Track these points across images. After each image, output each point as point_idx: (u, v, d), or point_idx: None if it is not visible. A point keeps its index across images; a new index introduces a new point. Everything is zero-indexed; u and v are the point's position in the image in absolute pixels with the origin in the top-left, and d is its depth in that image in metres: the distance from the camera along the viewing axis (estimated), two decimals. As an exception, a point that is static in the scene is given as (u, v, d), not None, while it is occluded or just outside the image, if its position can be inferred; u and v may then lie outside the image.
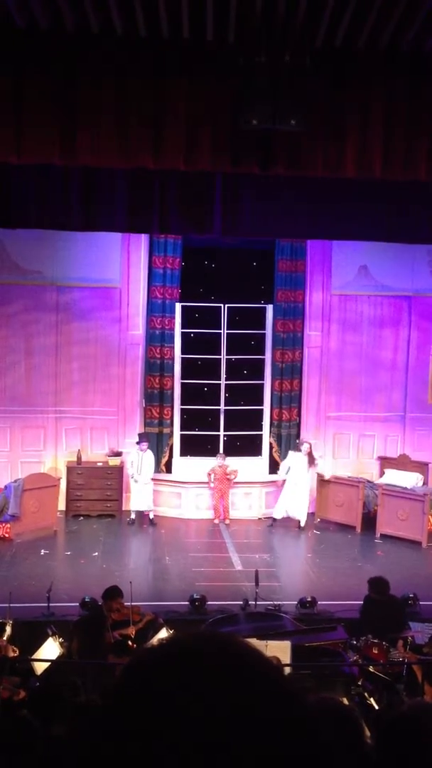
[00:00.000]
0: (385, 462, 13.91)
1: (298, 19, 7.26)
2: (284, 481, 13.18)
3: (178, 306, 13.78)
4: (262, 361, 14.18)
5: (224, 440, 14.03)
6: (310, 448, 13.09)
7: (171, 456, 13.90)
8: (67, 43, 7.63)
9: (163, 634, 7.96)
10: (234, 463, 13.50)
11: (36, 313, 13.46)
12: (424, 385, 14.29)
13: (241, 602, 9.45)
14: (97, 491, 13.31)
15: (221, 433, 14.06)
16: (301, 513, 13.01)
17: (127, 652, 7.63)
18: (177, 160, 8.03)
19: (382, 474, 13.66)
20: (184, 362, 14.03)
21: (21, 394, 13.51)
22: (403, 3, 7.17)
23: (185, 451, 14.04)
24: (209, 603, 9.42)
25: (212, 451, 13.75)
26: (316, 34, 7.54)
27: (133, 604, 8.33)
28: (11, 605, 8.19)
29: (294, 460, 13.09)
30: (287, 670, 6.63)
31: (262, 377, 14.20)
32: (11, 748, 4.15)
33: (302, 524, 13.00)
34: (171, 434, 13.88)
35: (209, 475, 13.29)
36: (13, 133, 7.74)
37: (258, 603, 9.23)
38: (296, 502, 13.00)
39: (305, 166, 8.22)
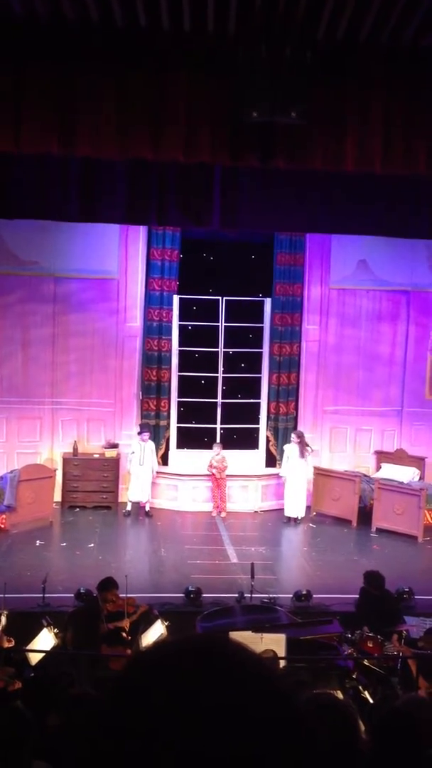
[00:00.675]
0: (382, 456, 13.93)
1: (299, 11, 7.22)
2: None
3: (176, 298, 13.77)
4: (260, 354, 14.18)
5: (221, 433, 14.03)
6: (302, 436, 13.12)
7: (167, 448, 13.90)
8: (66, 34, 7.59)
9: (158, 626, 7.98)
10: (231, 456, 13.51)
11: (33, 304, 13.44)
12: (422, 380, 14.30)
13: (237, 595, 9.47)
14: (93, 483, 13.32)
15: (218, 425, 14.07)
16: (298, 508, 13.03)
17: (120, 643, 7.64)
18: (176, 152, 7.99)
19: (378, 468, 13.69)
20: (182, 355, 14.02)
21: (18, 384, 13.50)
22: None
23: (182, 444, 14.04)
24: (204, 595, 9.45)
25: (209, 444, 13.75)
26: (317, 27, 7.51)
27: (127, 595, 8.34)
28: (6, 596, 8.20)
29: (289, 451, 13.11)
30: (282, 663, 6.65)
31: (259, 370, 14.20)
32: (4, 738, 4.16)
33: (299, 518, 13.02)
34: (168, 426, 13.88)
35: (210, 467, 13.28)
36: (12, 123, 7.70)
37: (253, 596, 9.26)
38: (293, 496, 13.02)
39: (305, 159, 8.19)
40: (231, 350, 14.07)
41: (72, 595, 9.15)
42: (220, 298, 13.89)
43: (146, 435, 13.05)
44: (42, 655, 7.34)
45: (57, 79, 7.66)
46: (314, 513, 13.37)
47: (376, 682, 6.83)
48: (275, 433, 13.98)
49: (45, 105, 7.67)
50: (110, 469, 13.39)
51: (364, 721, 4.28)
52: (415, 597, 9.60)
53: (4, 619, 7.90)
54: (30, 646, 7.53)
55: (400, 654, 7.44)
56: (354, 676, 6.81)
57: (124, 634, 7.87)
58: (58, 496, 13.22)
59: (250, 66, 7.44)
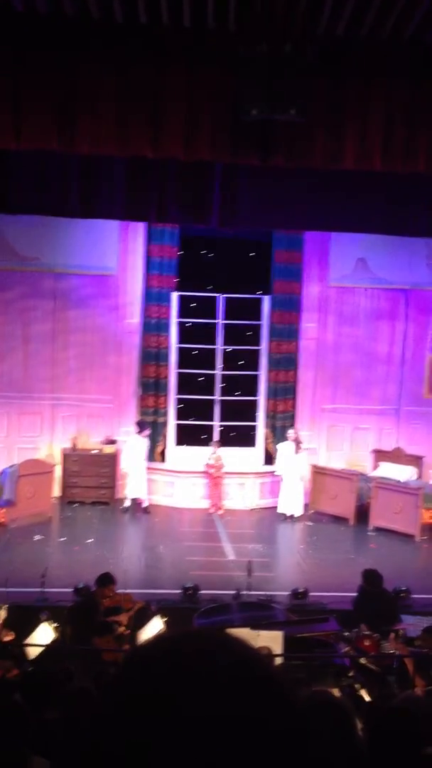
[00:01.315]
0: (380, 455, 13.94)
1: (299, 7, 7.23)
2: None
3: (174, 295, 13.77)
4: (258, 352, 14.19)
5: (219, 430, 14.04)
6: (296, 433, 13.14)
7: (165, 445, 13.91)
8: (66, 29, 7.59)
9: (156, 621, 7.99)
10: (228, 453, 13.52)
11: (33, 300, 13.44)
12: (420, 378, 14.31)
13: (234, 592, 9.49)
14: (91, 478, 13.34)
15: (216, 423, 14.08)
16: (295, 505, 13.04)
17: (110, 633, 7.65)
18: (176, 149, 8.00)
19: (376, 467, 13.70)
20: (181, 352, 14.03)
21: (18, 380, 13.51)
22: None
23: (180, 441, 14.05)
24: (202, 592, 9.46)
25: (207, 441, 13.76)
26: (317, 23, 7.51)
27: (125, 591, 8.37)
28: (6, 590, 8.23)
29: (284, 449, 13.13)
30: (279, 660, 6.67)
31: (257, 368, 14.21)
32: (4, 730, 4.18)
33: (296, 515, 13.04)
34: (166, 423, 13.89)
35: (207, 466, 13.29)
36: (11, 119, 7.71)
37: (250, 593, 9.27)
38: (289, 493, 13.04)
39: (305, 157, 8.20)
40: (229, 347, 14.08)
41: (70, 589, 9.17)
42: (218, 295, 13.90)
43: (147, 432, 13.07)
44: (40, 649, 7.35)
45: (57, 75, 7.67)
46: (311, 511, 13.38)
47: (373, 681, 6.85)
48: (273, 430, 13.99)
49: (45, 101, 7.68)
50: (108, 465, 13.41)
51: (360, 720, 4.30)
52: (413, 596, 9.62)
53: (3, 612, 7.92)
54: (28, 641, 7.55)
55: (397, 652, 7.46)
56: (350, 674, 6.83)
57: (121, 629, 7.88)
58: (57, 492, 13.24)
59: (250, 63, 7.44)
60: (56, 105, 7.70)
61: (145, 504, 13.10)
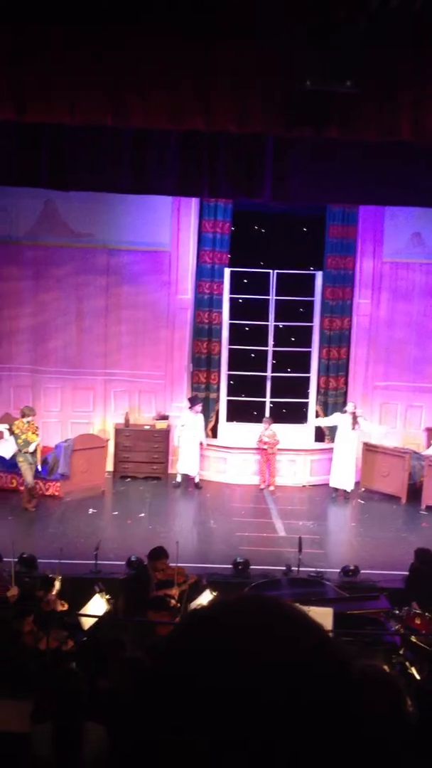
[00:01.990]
0: (433, 433, 13.78)
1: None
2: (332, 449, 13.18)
3: (227, 271, 13.74)
4: (310, 328, 14.09)
5: (270, 407, 14.04)
6: (355, 407, 13.01)
7: (217, 421, 13.97)
8: (118, 3, 7.56)
9: (207, 595, 8.08)
10: (279, 429, 13.51)
11: (87, 276, 13.56)
12: None
13: (284, 568, 9.53)
14: (144, 453, 13.48)
15: (267, 399, 14.07)
16: (347, 480, 12.97)
17: (165, 608, 7.76)
18: (229, 122, 7.94)
19: (429, 445, 13.55)
20: (232, 328, 14.02)
21: (72, 356, 13.69)
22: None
23: (231, 417, 14.10)
24: (252, 567, 9.52)
25: (258, 418, 13.77)
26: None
27: (177, 565, 8.46)
28: (61, 561, 8.41)
29: (339, 420, 13.01)
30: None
31: (309, 345, 14.13)
32: (61, 696, 4.30)
33: (348, 491, 12.97)
34: (217, 399, 13.93)
35: (261, 442, 13.30)
36: (67, 94, 7.73)
37: (301, 569, 9.30)
38: (342, 469, 12.97)
39: (359, 129, 8.05)
40: (281, 324, 14.02)
41: (123, 562, 9.32)
42: (271, 271, 13.83)
43: (198, 407, 13.12)
44: (94, 620, 7.51)
45: (110, 50, 7.65)
46: (363, 489, 13.31)
47: (423, 659, 6.83)
48: (324, 407, 13.92)
49: (98, 75, 7.67)
50: (161, 440, 13.53)
51: (410, 696, 4.30)
52: (465, 574, 9.53)
53: (58, 583, 8.10)
54: (82, 612, 7.71)
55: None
56: (401, 652, 6.82)
57: (173, 602, 7.99)
58: (110, 466, 13.42)
59: (303, 34, 7.32)
60: (109, 79, 7.69)
61: (196, 479, 13.20)
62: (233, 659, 0.82)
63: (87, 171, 9.88)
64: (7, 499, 12.13)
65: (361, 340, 13.97)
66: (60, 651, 6.46)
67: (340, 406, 13.72)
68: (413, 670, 6.22)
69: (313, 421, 13.57)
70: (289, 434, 13.75)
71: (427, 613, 7.72)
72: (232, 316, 14.00)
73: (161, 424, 13.59)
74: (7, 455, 11.94)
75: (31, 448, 11.85)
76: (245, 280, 13.96)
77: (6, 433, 11.97)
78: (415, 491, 12.88)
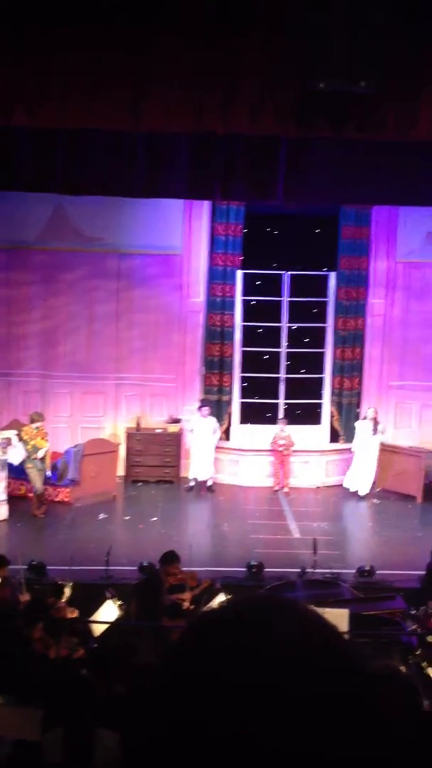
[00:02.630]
0: (449, 433, 13.65)
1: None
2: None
3: (239, 273, 13.68)
4: (324, 329, 14.01)
5: (284, 408, 13.96)
6: (376, 413, 12.92)
7: (230, 424, 13.90)
8: (134, 7, 7.52)
9: (220, 599, 8.01)
10: (293, 431, 13.43)
11: (97, 280, 13.54)
12: None
13: (299, 570, 9.44)
14: (155, 457, 13.42)
15: (281, 401, 14.00)
16: (363, 484, 12.88)
17: (180, 615, 7.70)
18: (244, 123, 7.87)
19: (444, 445, 13.43)
20: (245, 330, 13.97)
21: (82, 360, 13.66)
22: None
23: (245, 419, 14.03)
24: (267, 570, 9.45)
25: (272, 420, 13.70)
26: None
27: (190, 569, 8.40)
28: (71, 568, 8.36)
29: (360, 428, 12.92)
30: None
31: (323, 345, 14.05)
32: (72, 704, 4.25)
33: (363, 494, 12.88)
34: (230, 402, 13.87)
35: (276, 444, 13.22)
36: (85, 97, 7.67)
37: (316, 571, 9.22)
38: (359, 471, 12.88)
39: (377, 129, 7.97)
40: (294, 325, 13.95)
41: (135, 567, 9.26)
42: (283, 272, 13.76)
43: (206, 410, 13.03)
44: (105, 626, 7.45)
45: (129, 50, 7.58)
46: (378, 489, 13.21)
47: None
48: (339, 408, 13.83)
49: (118, 77, 7.63)
50: (173, 444, 13.47)
51: (427, 696, 4.21)
52: None
53: (68, 590, 8.04)
54: (93, 618, 7.65)
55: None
56: (418, 653, 6.74)
57: (186, 604, 7.92)
58: (121, 471, 13.36)
59: (321, 33, 7.25)
60: (128, 81, 7.65)
61: (209, 483, 13.13)
62: (256, 655, 0.81)
63: (99, 175, 9.85)
64: (17, 506, 12.03)
65: (375, 340, 13.88)
66: (71, 658, 6.40)
67: (354, 406, 13.63)
68: (430, 671, 6.14)
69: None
70: (303, 435, 13.66)
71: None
72: (244, 318, 13.94)
73: (173, 428, 13.53)
74: (16, 461, 11.89)
75: (40, 454, 11.82)
76: (258, 282, 13.90)
77: (15, 439, 11.92)
78: (430, 491, 12.77)
